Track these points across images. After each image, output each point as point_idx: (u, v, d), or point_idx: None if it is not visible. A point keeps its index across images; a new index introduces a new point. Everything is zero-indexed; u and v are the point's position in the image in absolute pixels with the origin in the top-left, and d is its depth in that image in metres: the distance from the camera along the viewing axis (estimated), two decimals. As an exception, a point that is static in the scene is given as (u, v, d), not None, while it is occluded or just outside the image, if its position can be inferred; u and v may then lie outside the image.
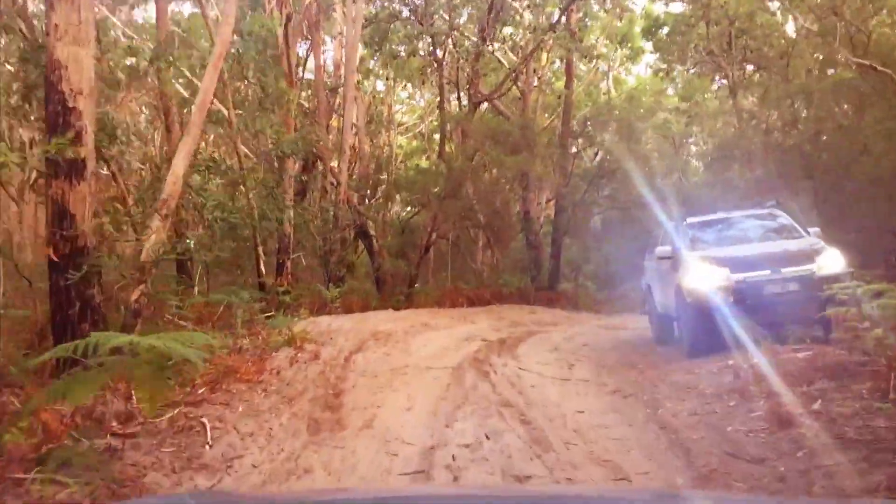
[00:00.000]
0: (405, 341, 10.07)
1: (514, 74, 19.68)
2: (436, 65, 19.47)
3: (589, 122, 19.30)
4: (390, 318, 12.95)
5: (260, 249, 13.16)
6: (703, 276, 8.31)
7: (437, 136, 24.03)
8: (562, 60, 20.40)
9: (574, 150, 20.24)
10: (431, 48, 18.39)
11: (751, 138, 17.03)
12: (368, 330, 10.62)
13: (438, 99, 19.80)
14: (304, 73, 20.67)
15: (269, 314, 12.35)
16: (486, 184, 18.01)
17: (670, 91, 30.01)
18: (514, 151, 15.73)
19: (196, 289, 13.31)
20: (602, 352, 10.26)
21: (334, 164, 18.00)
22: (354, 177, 22.37)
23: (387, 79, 23.41)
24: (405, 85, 30.09)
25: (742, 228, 9.51)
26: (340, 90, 20.25)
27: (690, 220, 9.69)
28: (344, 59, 19.37)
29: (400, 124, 30.81)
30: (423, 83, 20.75)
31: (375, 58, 24.41)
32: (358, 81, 23.20)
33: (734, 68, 19.82)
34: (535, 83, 20.85)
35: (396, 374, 7.25)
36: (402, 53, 20.00)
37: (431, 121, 28.94)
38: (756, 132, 17.24)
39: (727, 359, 7.66)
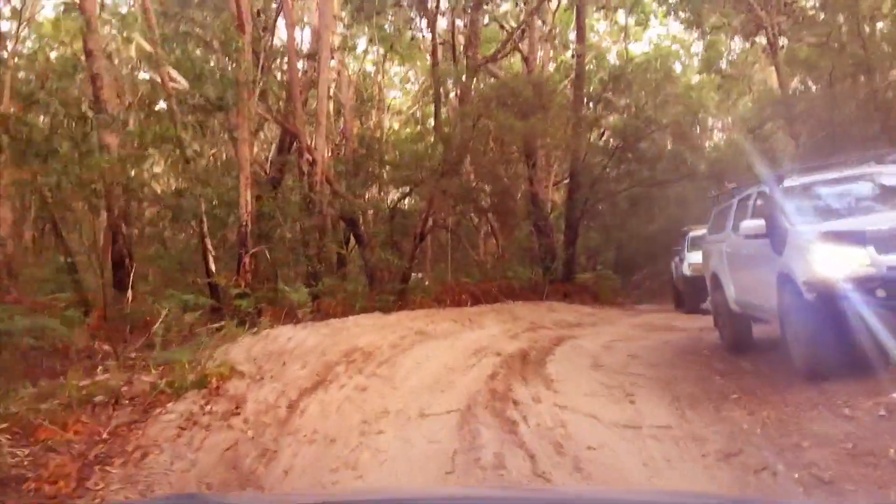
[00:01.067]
0: (391, 362, 7.26)
1: (519, 31, 16.78)
2: (426, 19, 16.62)
3: (611, 83, 16.40)
4: (376, 324, 10.15)
5: (208, 241, 10.34)
6: (832, 261, 5.50)
7: (432, 123, 21.27)
8: (571, 9, 17.48)
9: (590, 116, 17.33)
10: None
11: (803, 96, 14.18)
12: (342, 346, 7.81)
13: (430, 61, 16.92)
14: (272, 38, 17.81)
15: (220, 324, 9.66)
16: (491, 158, 15.13)
17: (678, 67, 27.15)
18: (525, 115, 12.88)
19: (130, 294, 10.58)
20: (662, 368, 7.46)
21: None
22: (342, 157, 19.64)
23: (371, 42, 20.48)
24: (395, 60, 27.63)
25: (869, 192, 6.66)
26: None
27: (791, 181, 6.82)
28: (318, 15, 16.52)
29: (390, 108, 28.31)
30: (412, 39, 17.79)
31: (363, 35, 21.95)
32: (336, 49, 20.36)
33: (773, 16, 16.97)
34: (543, 42, 17.96)
35: (368, 436, 4.43)
36: (388, 11, 17.13)
37: (426, 101, 26.38)
38: (814, 86, 14.38)
39: (884, 387, 4.93)
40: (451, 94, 18.31)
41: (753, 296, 7.09)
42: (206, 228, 10.21)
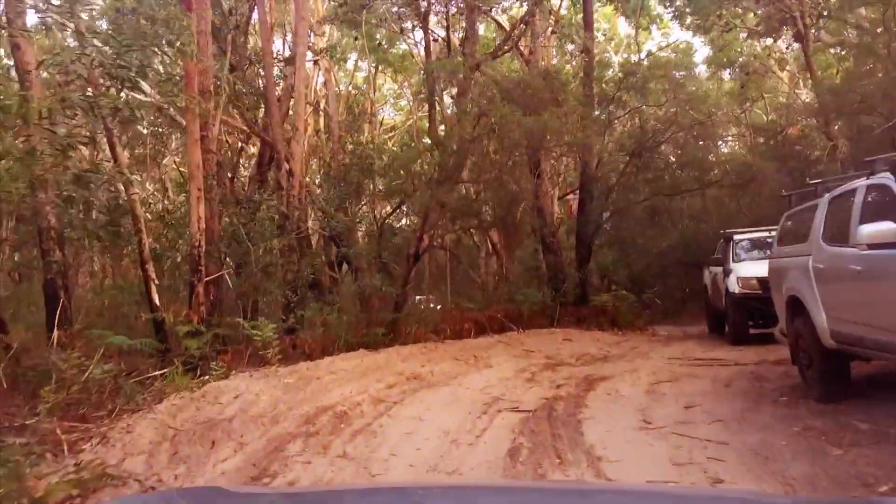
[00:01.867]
0: (371, 431, 5.26)
1: (521, 25, 14.95)
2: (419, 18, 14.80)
3: (623, 82, 14.54)
4: (359, 367, 8.16)
5: (150, 268, 8.34)
6: None
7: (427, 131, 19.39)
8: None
9: (603, 117, 15.40)
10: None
11: (858, 85, 12.31)
12: (306, 405, 5.81)
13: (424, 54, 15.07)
14: (245, 38, 15.97)
15: (163, 372, 7.71)
16: (494, 165, 13.16)
17: (678, 74, 25.38)
18: (534, 111, 10.97)
19: (56, 335, 8.60)
20: (738, 427, 5.46)
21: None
22: (329, 171, 17.76)
23: (360, 48, 18.67)
24: (387, 73, 26.19)
25: None
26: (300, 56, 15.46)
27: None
28: (294, 7, 14.74)
29: (382, 123, 26.83)
30: (402, 32, 15.95)
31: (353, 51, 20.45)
32: (320, 52, 18.56)
33: (804, 4, 15.25)
34: (548, 32, 16.15)
35: None
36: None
37: (420, 116, 24.77)
38: (869, 72, 12.51)
39: None
40: (447, 97, 16.50)
41: (874, 329, 5.11)
42: (146, 251, 8.22)
